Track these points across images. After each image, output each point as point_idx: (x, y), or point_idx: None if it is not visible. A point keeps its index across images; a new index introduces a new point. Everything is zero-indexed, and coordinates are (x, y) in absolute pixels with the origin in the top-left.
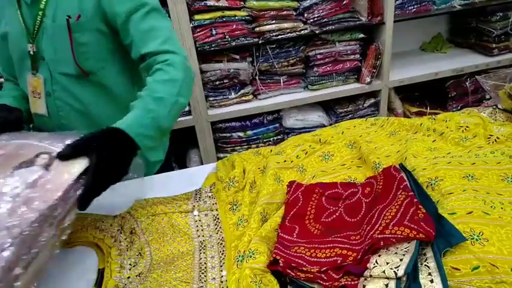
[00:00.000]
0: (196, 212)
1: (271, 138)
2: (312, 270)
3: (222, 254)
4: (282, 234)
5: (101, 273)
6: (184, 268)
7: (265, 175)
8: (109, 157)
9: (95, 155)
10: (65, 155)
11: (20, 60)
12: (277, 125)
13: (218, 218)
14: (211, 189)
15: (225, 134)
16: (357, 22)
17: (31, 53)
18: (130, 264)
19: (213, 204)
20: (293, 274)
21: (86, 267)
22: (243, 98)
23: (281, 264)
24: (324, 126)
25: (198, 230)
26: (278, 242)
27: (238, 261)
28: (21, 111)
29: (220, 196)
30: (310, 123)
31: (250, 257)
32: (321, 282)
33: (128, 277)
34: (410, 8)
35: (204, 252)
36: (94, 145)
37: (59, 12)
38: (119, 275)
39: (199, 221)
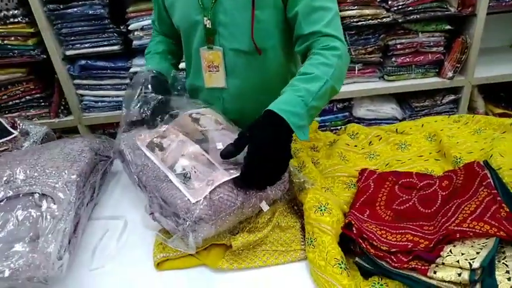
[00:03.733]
0: None
1: (339, 127)
2: (382, 247)
3: None
4: (353, 211)
5: None
6: None
7: (332, 149)
8: (261, 137)
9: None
10: (227, 155)
11: (189, 31)
12: (346, 113)
13: None
14: None
15: None
16: (445, 12)
17: (208, 26)
18: None
19: None
20: (364, 246)
21: None
22: None
23: (355, 231)
24: (397, 119)
25: None
26: (350, 213)
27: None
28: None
29: None
30: (382, 115)
31: (325, 210)
32: (390, 261)
33: None
34: (507, 0)
35: None
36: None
37: None
38: None
39: None
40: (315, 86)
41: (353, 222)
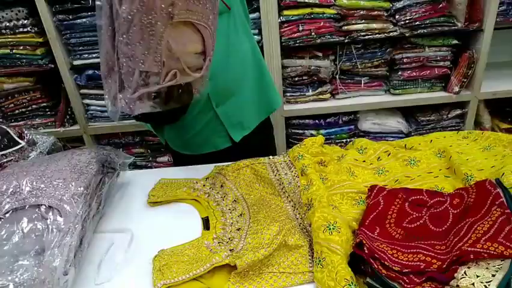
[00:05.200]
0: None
1: (344, 140)
2: (393, 267)
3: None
4: (363, 229)
5: (206, 220)
6: (276, 207)
7: (340, 164)
8: None
9: None
10: None
11: None
12: (352, 126)
13: (294, 166)
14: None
15: (297, 131)
16: (452, 27)
17: None
18: (229, 210)
19: (287, 156)
20: (375, 266)
21: (190, 217)
22: (320, 96)
23: (366, 251)
24: (402, 133)
25: (275, 175)
26: (360, 231)
27: (325, 231)
28: None
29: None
30: (388, 129)
31: (334, 228)
32: (402, 283)
33: (231, 217)
34: None
35: (288, 196)
36: None
37: None
38: (223, 219)
39: (277, 170)
40: None
41: (364, 242)
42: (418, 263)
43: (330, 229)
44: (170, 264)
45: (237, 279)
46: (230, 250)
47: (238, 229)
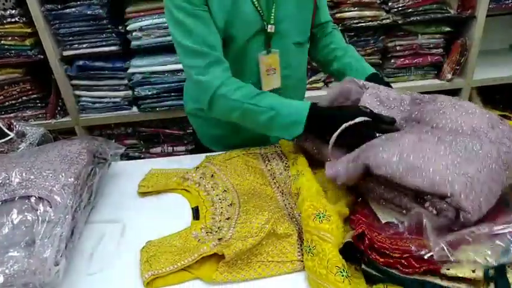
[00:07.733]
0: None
1: None
2: (394, 255)
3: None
4: (359, 217)
5: (195, 210)
6: (266, 198)
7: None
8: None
9: None
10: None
11: (247, 42)
12: None
13: (285, 157)
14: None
15: None
16: (445, 14)
17: (268, 31)
18: (219, 199)
19: (278, 147)
20: (372, 256)
21: (180, 207)
22: (313, 85)
23: (367, 242)
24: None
25: (266, 165)
26: (361, 222)
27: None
28: None
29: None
30: None
31: (324, 217)
32: (401, 268)
33: (221, 207)
34: (507, 2)
35: (279, 187)
36: None
37: None
38: (213, 208)
39: (268, 160)
40: None
41: (366, 233)
42: (418, 247)
43: (320, 217)
44: (158, 255)
45: (225, 269)
46: (219, 239)
47: (228, 218)
